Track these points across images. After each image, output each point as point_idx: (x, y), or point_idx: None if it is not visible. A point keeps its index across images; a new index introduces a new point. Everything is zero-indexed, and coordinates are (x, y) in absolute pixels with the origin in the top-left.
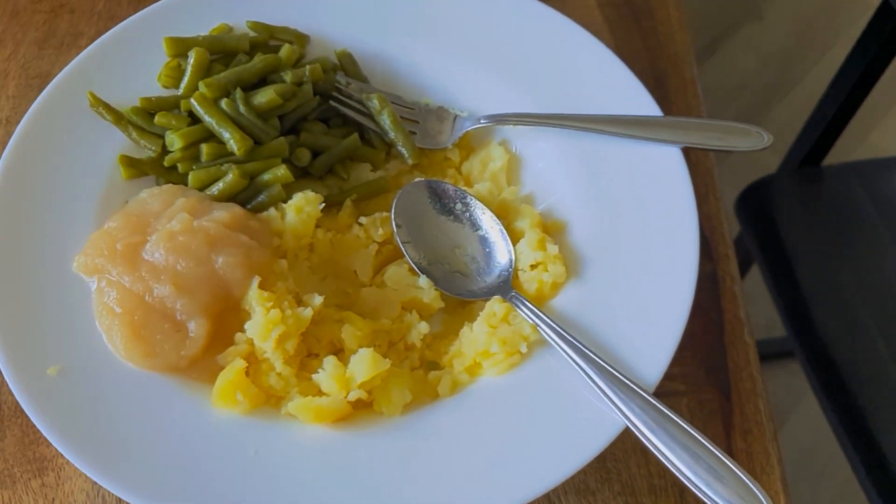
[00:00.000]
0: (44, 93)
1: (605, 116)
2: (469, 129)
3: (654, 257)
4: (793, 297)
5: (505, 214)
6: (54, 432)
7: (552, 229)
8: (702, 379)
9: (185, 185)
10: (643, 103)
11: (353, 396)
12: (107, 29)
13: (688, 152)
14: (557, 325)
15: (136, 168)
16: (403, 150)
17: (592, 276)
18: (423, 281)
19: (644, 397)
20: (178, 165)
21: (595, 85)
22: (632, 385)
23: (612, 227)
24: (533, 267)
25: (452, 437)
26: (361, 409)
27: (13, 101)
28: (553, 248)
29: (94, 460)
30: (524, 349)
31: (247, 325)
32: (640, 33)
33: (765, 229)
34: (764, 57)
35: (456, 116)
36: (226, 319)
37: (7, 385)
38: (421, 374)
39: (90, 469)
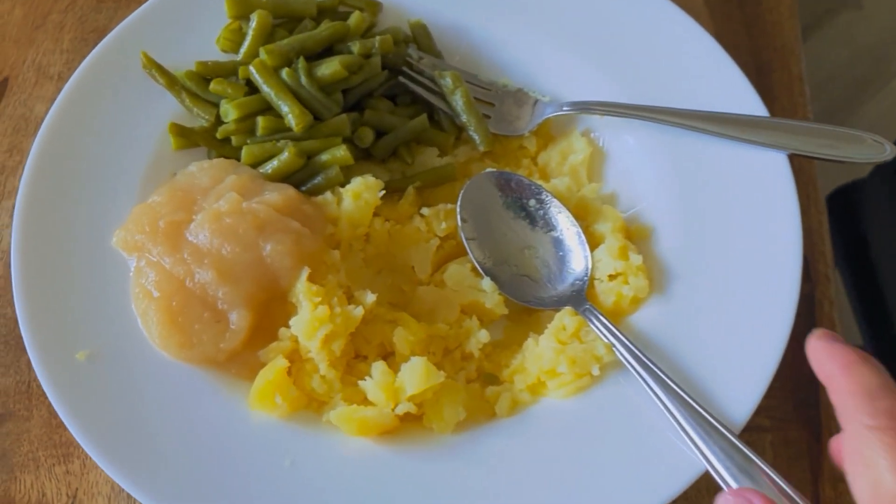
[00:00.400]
0: (95, 50)
1: (703, 113)
2: (550, 115)
3: (750, 276)
4: (875, 308)
5: (584, 215)
6: (76, 422)
7: (636, 236)
8: (789, 414)
9: (238, 159)
10: (747, 100)
11: (401, 409)
12: None
13: (789, 158)
14: (635, 346)
15: (186, 138)
16: (475, 136)
17: (678, 292)
18: (487, 283)
19: (729, 439)
20: (232, 138)
21: (693, 76)
22: (716, 424)
23: (704, 238)
24: (612, 278)
25: (508, 465)
26: (409, 422)
27: (66, 55)
28: (636, 258)
29: (116, 457)
30: (596, 371)
31: (292, 321)
32: (743, 20)
33: (850, 236)
34: (858, 48)
35: (536, 101)
36: (270, 312)
37: None
38: (477, 388)
39: (110, 466)
